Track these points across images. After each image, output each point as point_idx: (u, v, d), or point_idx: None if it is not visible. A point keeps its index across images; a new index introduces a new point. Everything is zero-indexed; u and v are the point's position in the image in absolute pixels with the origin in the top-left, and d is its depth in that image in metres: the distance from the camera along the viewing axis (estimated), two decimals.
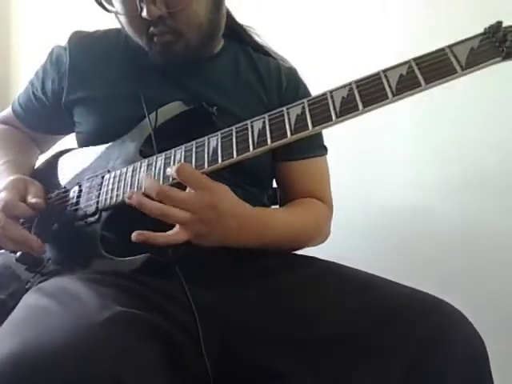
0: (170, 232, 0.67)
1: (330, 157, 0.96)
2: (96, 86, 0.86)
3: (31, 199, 0.77)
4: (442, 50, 0.62)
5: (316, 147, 0.92)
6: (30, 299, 0.67)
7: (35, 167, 0.95)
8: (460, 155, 1.23)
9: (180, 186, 0.68)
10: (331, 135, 0.92)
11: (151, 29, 0.79)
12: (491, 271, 1.17)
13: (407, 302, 0.65)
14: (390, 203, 1.34)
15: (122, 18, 0.82)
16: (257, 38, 0.99)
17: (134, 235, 0.64)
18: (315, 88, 0.95)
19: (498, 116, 1.18)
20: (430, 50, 0.62)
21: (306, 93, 0.95)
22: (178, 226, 0.67)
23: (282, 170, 0.92)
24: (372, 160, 1.37)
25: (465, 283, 1.19)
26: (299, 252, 0.86)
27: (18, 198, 0.76)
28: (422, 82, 0.61)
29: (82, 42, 0.90)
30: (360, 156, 1.35)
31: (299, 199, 0.90)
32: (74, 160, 0.88)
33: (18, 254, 0.79)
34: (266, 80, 0.91)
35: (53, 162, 0.91)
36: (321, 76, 1.10)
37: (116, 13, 0.82)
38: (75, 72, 0.88)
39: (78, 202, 0.80)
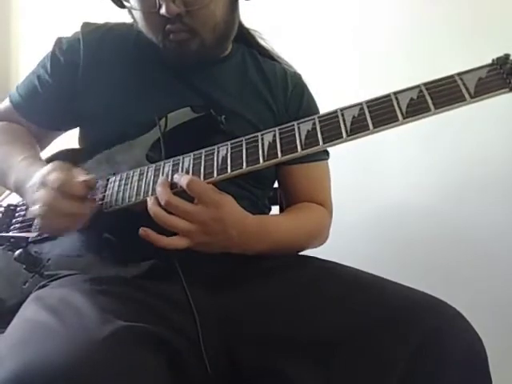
0: (173, 237, 0.69)
1: (331, 159, 0.98)
2: (106, 82, 0.86)
3: (84, 177, 0.71)
4: (452, 77, 0.64)
5: (318, 152, 0.93)
6: (29, 312, 0.66)
7: None
8: (461, 158, 1.24)
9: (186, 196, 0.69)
10: None
11: (168, 26, 0.79)
12: (491, 273, 1.18)
13: (407, 302, 0.66)
14: (390, 205, 1.35)
15: (138, 14, 0.82)
16: (262, 42, 1.01)
17: (140, 230, 0.67)
18: (318, 93, 0.99)
19: (500, 119, 1.18)
20: (439, 77, 0.65)
21: (310, 98, 0.97)
22: (181, 234, 0.69)
23: (284, 173, 0.94)
24: (373, 162, 1.37)
25: (465, 285, 1.20)
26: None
27: (71, 177, 0.71)
28: (432, 106, 0.63)
29: (93, 34, 0.89)
30: (361, 158, 1.35)
31: (300, 204, 0.92)
32: (78, 160, 0.87)
33: (17, 252, 0.78)
34: (272, 84, 0.92)
35: (58, 160, 0.89)
36: (323, 81, 1.10)
37: (131, 8, 0.82)
38: (89, 64, 0.86)
39: None
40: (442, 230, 1.27)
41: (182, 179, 0.68)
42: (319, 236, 0.92)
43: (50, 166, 0.73)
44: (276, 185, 1.00)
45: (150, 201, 0.69)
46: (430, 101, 0.64)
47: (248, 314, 0.71)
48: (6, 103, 0.95)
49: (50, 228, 0.72)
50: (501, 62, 0.63)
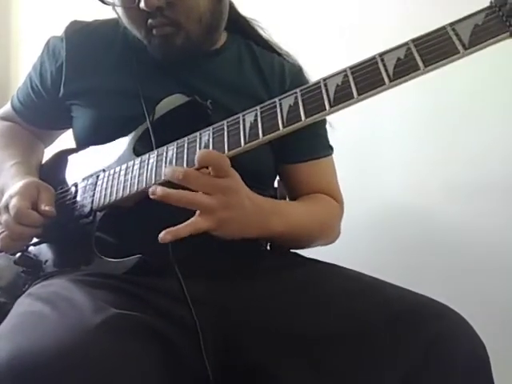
0: (192, 220, 0.63)
1: None
2: (93, 79, 0.84)
3: (44, 207, 0.75)
4: (443, 28, 0.57)
5: (322, 148, 0.90)
6: (23, 305, 0.67)
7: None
8: (462, 158, 1.21)
9: (173, 186, 0.64)
10: (331, 136, 0.92)
11: (149, 21, 0.76)
12: (491, 275, 1.14)
13: (410, 306, 0.63)
14: (390, 205, 1.32)
15: (120, 10, 0.79)
16: (261, 32, 0.95)
17: (161, 236, 0.60)
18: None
19: (502, 118, 1.15)
20: (430, 30, 0.57)
21: None
22: (198, 214, 0.63)
23: (288, 172, 0.89)
24: (372, 161, 1.35)
25: (465, 287, 1.17)
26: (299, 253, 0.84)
27: (29, 205, 0.74)
28: (421, 64, 0.56)
29: (79, 33, 0.87)
30: (360, 157, 1.33)
31: (312, 194, 0.87)
32: (75, 159, 0.87)
33: (17, 256, 0.79)
34: (268, 78, 0.87)
35: (56, 161, 0.90)
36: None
37: (113, 4, 0.79)
38: (72, 64, 0.85)
39: (74, 203, 0.79)
40: (442, 232, 1.23)
41: (196, 156, 0.62)
42: (331, 229, 0.87)
43: (18, 188, 0.76)
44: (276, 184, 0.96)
45: (155, 188, 0.62)
46: (418, 58, 0.56)
47: (246, 310, 0.68)
48: (8, 104, 0.97)
49: (9, 249, 0.78)
50: (500, 3, 0.54)
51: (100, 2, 0.81)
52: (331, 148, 0.92)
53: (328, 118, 0.90)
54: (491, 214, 1.15)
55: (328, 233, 0.87)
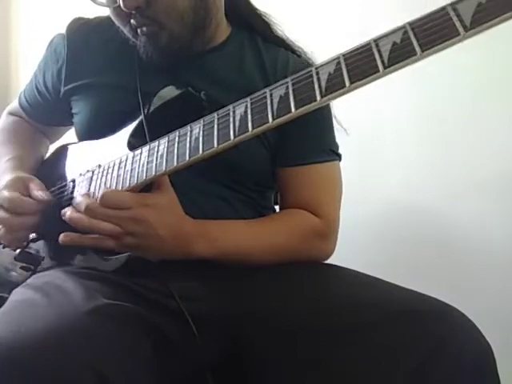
0: (100, 237, 0.66)
1: None
2: (91, 75, 0.83)
3: (37, 192, 0.75)
4: (443, 9, 0.51)
5: (314, 153, 0.81)
6: (16, 294, 0.68)
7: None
8: (461, 158, 1.18)
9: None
10: None
11: (131, 20, 0.75)
12: (491, 274, 1.12)
13: (415, 305, 0.62)
14: (390, 205, 1.29)
15: (108, 10, 0.78)
16: (273, 27, 0.90)
17: (61, 238, 0.65)
18: None
19: (502, 119, 1.12)
20: (430, 11, 0.52)
21: None
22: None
23: (276, 176, 0.84)
24: (372, 161, 1.32)
25: (466, 286, 1.14)
26: None
27: (20, 195, 0.75)
28: (418, 49, 0.51)
29: (79, 30, 0.87)
30: (360, 158, 1.29)
31: (282, 211, 0.83)
32: (75, 153, 0.86)
33: (17, 252, 0.79)
34: (269, 73, 0.82)
35: (56, 156, 0.90)
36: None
37: (101, 4, 0.78)
38: (73, 61, 0.85)
39: (71, 198, 0.78)
40: (442, 231, 1.22)
41: (99, 194, 0.67)
42: (295, 251, 0.77)
43: (4, 182, 0.77)
44: None
45: (69, 210, 0.67)
46: (415, 42, 0.51)
47: (250, 305, 0.68)
48: (17, 100, 0.98)
49: (12, 242, 0.78)
50: None
51: (90, 1, 0.80)
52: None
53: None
54: (492, 214, 1.12)
55: (293, 255, 0.77)
